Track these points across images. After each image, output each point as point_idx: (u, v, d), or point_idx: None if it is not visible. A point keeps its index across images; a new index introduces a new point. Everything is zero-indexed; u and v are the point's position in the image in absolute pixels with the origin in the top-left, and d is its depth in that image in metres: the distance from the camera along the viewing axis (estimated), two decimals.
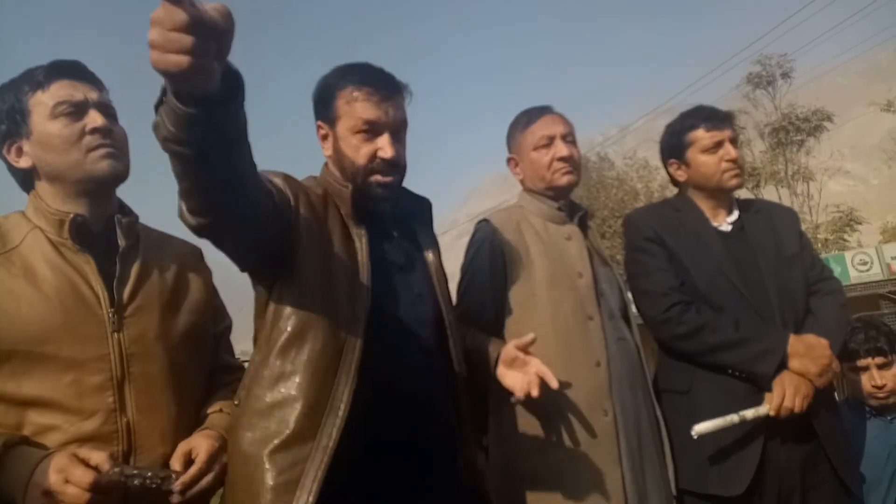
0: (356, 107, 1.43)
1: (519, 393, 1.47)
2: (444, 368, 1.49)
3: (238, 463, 1.25)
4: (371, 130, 1.43)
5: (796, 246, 2.03)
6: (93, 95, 1.36)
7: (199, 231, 1.13)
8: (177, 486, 1.20)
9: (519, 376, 1.50)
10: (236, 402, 1.32)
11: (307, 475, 1.18)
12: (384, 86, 1.45)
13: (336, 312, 1.30)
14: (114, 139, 1.35)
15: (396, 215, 1.53)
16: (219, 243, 1.20)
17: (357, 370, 1.27)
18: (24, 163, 1.35)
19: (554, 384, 1.46)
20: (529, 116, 2.01)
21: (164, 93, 0.95)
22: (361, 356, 1.28)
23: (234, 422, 1.30)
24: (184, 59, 0.84)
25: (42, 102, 1.32)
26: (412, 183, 1.59)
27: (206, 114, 0.94)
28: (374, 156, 1.43)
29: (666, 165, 2.17)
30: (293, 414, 1.22)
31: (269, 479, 1.18)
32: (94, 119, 1.33)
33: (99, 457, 1.15)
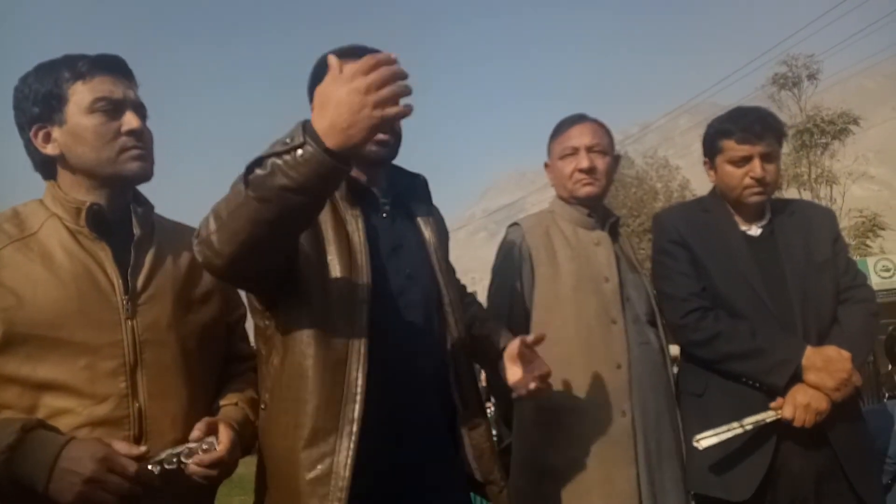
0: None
1: (519, 391, 1.46)
2: (440, 350, 1.47)
3: (273, 464, 1.32)
4: None
5: (829, 251, 1.95)
6: (130, 94, 1.37)
7: (221, 266, 1.17)
8: (193, 460, 1.22)
9: (520, 373, 1.49)
10: (263, 407, 1.36)
11: (338, 464, 1.23)
12: (353, 52, 1.45)
13: (339, 301, 1.32)
14: (144, 141, 1.37)
15: (390, 194, 1.51)
16: (234, 279, 1.28)
17: (367, 356, 1.29)
18: (50, 150, 1.34)
19: (551, 388, 1.44)
20: (562, 125, 2.04)
21: (293, 147, 1.02)
22: (369, 341, 1.31)
23: (264, 425, 1.35)
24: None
25: (81, 94, 1.31)
26: (431, 180, 1.60)
27: (343, 169, 1.06)
28: None
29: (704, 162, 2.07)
30: (315, 410, 1.26)
31: (305, 475, 1.24)
32: (130, 121, 1.33)
33: (124, 447, 1.19)
